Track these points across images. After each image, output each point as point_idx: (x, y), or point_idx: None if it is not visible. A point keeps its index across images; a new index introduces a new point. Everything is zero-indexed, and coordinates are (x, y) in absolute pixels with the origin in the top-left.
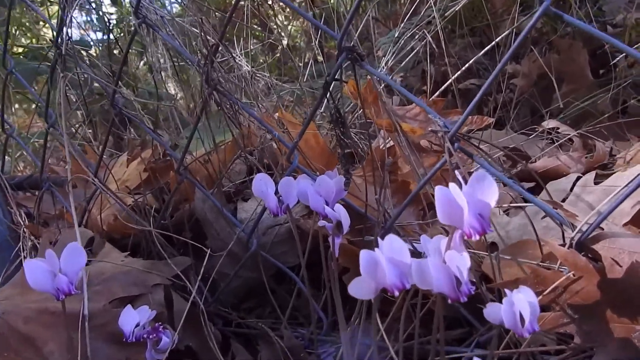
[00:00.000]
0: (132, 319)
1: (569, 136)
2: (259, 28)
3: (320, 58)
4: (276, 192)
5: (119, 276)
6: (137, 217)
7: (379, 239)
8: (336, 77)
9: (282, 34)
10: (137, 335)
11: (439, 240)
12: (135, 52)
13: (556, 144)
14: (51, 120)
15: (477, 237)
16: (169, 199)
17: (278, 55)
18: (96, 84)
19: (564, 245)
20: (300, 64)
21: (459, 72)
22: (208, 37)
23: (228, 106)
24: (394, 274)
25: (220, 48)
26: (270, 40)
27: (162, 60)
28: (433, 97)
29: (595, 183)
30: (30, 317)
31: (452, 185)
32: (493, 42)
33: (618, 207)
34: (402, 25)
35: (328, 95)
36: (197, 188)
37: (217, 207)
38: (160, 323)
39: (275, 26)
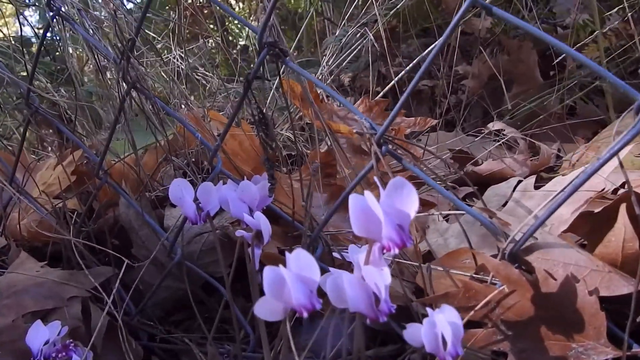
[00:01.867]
0: (40, 335)
1: (509, 138)
2: (213, 27)
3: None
4: (195, 199)
5: (31, 288)
6: (57, 223)
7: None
8: (259, 75)
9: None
10: (46, 354)
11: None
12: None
13: (496, 144)
14: None
15: (397, 251)
16: (88, 204)
17: (234, 55)
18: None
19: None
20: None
21: (402, 73)
22: (124, 33)
23: (150, 106)
24: (301, 292)
25: (140, 45)
26: (217, 40)
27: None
28: (377, 97)
29: (536, 187)
30: None
31: (367, 193)
32: (438, 42)
33: (556, 213)
34: (348, 24)
35: (250, 95)
36: (120, 193)
37: (139, 213)
38: (71, 340)
39: (232, 26)
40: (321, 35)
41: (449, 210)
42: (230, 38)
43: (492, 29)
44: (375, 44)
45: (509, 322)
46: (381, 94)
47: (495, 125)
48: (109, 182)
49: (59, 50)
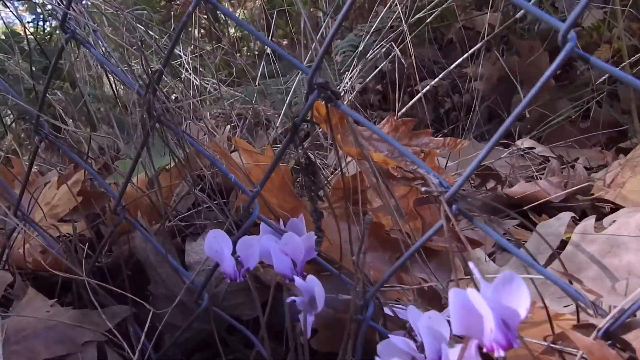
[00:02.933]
0: None
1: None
2: (205, 16)
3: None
4: (233, 252)
5: (42, 333)
6: (66, 258)
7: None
8: (306, 118)
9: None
10: None
11: (429, 318)
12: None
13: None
14: None
15: (502, 354)
16: (103, 242)
17: (225, 48)
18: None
19: (578, 323)
20: (251, 62)
21: (427, 88)
22: (150, 64)
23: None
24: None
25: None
26: (214, 30)
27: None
28: (398, 109)
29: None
30: None
31: (470, 290)
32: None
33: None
34: (359, 26)
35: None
36: (138, 230)
37: (161, 254)
38: None
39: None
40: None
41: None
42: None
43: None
44: (402, 60)
45: None
46: (403, 110)
47: (524, 143)
48: (127, 218)
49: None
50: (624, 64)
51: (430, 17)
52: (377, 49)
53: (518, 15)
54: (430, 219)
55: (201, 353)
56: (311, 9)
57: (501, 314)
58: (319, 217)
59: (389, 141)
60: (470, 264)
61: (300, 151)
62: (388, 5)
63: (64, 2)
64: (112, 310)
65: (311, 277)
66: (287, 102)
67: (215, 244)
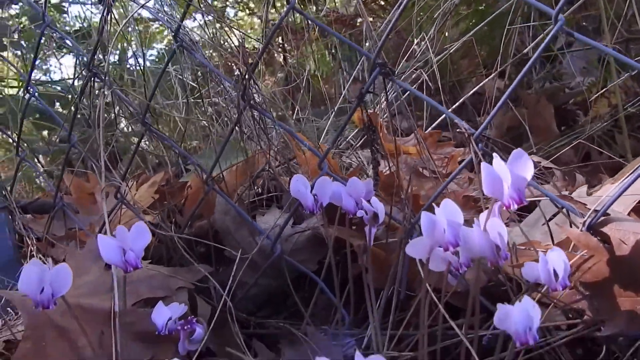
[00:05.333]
0: (164, 313)
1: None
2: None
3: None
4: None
5: (144, 279)
6: (158, 227)
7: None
8: (370, 90)
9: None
10: (170, 329)
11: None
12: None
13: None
14: (73, 140)
15: (515, 207)
16: (195, 207)
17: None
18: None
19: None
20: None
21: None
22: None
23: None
24: (450, 233)
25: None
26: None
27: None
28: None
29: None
30: (66, 312)
31: (497, 160)
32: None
33: (619, 199)
34: None
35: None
36: (221, 198)
37: (242, 215)
38: (193, 316)
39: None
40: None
41: None
42: None
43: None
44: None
45: (587, 283)
46: (430, 127)
47: (532, 158)
48: (214, 189)
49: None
50: (619, 115)
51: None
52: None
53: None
54: None
55: (268, 309)
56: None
57: (514, 180)
58: (377, 165)
59: (433, 104)
60: (495, 156)
61: (365, 115)
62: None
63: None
64: (196, 268)
65: (375, 199)
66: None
67: (299, 185)
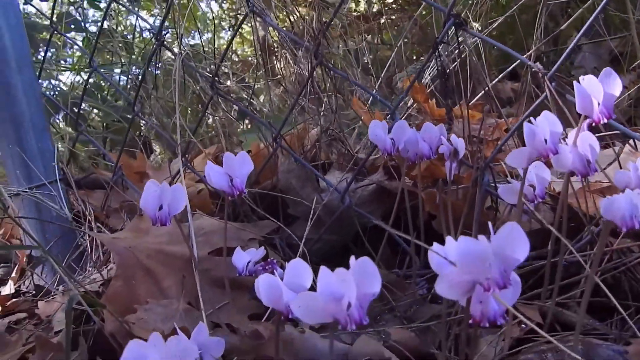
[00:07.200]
0: (244, 257)
1: None
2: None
3: None
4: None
5: (217, 230)
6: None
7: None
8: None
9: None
10: (250, 270)
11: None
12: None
13: None
14: (137, 109)
15: (605, 121)
16: (266, 162)
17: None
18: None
19: None
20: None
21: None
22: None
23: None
24: (551, 141)
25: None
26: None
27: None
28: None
29: None
30: (150, 255)
31: (589, 77)
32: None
33: None
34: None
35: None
36: (284, 159)
37: (309, 169)
38: (273, 258)
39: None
40: None
41: None
42: None
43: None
44: None
45: None
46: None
47: None
48: (283, 146)
49: None
50: None
51: None
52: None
53: None
54: None
55: (330, 263)
56: None
57: (606, 96)
58: (450, 110)
59: (504, 49)
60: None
61: (439, 60)
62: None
63: None
64: (264, 223)
65: (454, 136)
66: None
67: (377, 129)
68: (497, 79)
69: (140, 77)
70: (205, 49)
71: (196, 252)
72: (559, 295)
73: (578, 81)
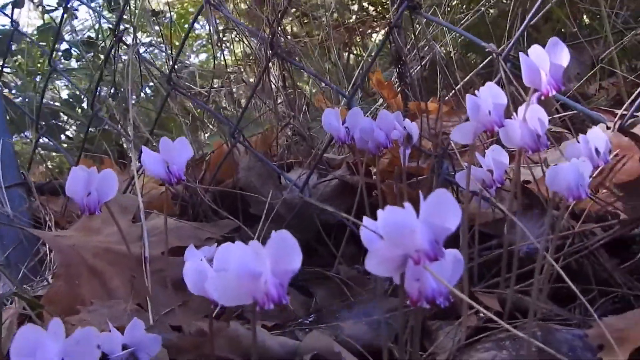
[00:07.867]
0: (196, 255)
1: None
2: None
3: None
4: None
5: (173, 229)
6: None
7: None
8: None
9: None
10: None
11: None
12: None
13: None
14: (96, 108)
15: (554, 93)
16: (224, 158)
17: None
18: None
19: None
20: None
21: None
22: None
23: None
24: (495, 114)
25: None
26: None
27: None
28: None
29: None
30: (97, 254)
31: (535, 48)
32: None
33: None
34: None
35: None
36: (244, 157)
37: (269, 165)
38: None
39: None
40: None
41: None
42: None
43: None
44: None
45: (621, 184)
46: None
47: None
48: (241, 142)
49: None
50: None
51: None
52: None
53: None
54: None
55: None
56: None
57: (552, 68)
58: (406, 96)
59: (459, 31)
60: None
61: (393, 45)
62: None
63: None
64: (223, 222)
65: (407, 121)
66: None
67: (330, 118)
68: (469, 76)
69: (98, 74)
70: (162, 45)
71: (147, 252)
72: (520, 282)
73: None
